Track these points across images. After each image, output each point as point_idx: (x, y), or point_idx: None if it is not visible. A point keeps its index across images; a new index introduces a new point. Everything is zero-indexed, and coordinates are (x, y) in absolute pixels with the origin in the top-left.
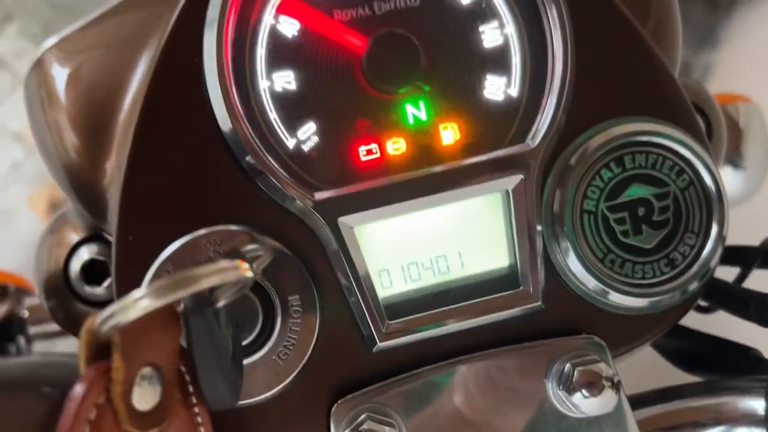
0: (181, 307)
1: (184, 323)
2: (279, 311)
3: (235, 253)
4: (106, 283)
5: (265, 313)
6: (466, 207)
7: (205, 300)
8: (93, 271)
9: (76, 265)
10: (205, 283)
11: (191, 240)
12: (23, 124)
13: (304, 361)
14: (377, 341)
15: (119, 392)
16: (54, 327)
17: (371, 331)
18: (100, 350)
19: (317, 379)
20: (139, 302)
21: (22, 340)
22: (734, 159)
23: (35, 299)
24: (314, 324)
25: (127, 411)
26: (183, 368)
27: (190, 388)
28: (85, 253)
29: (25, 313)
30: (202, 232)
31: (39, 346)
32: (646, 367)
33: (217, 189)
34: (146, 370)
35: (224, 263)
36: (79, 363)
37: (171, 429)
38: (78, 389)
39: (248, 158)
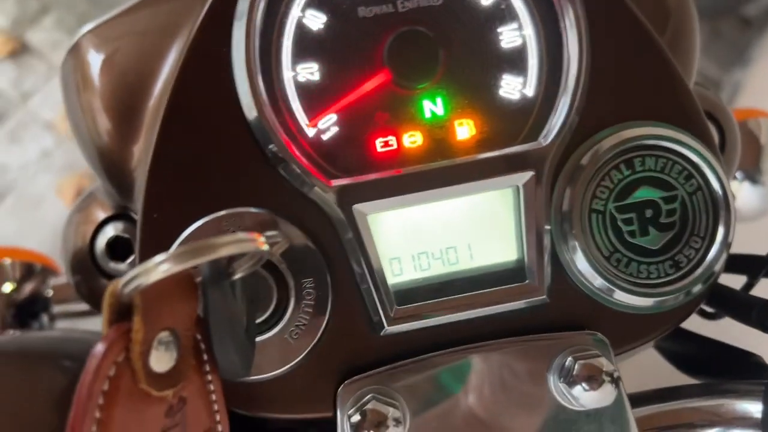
0: (199, 279)
1: (201, 293)
2: (293, 293)
3: None
4: (129, 260)
5: (279, 294)
6: (477, 201)
7: (222, 272)
8: (117, 248)
9: (101, 242)
10: (223, 251)
11: (212, 220)
12: (56, 114)
13: (315, 341)
14: (385, 326)
15: (138, 352)
16: (76, 307)
17: (380, 315)
18: (122, 313)
19: (326, 360)
20: (161, 266)
21: (45, 318)
22: (753, 174)
23: (60, 279)
24: (326, 306)
25: (144, 370)
26: (199, 337)
27: (205, 357)
28: (110, 230)
29: (50, 293)
30: (223, 212)
31: (61, 325)
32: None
33: (240, 173)
34: (164, 335)
35: (242, 235)
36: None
37: (185, 392)
38: (99, 347)
39: (271, 146)
